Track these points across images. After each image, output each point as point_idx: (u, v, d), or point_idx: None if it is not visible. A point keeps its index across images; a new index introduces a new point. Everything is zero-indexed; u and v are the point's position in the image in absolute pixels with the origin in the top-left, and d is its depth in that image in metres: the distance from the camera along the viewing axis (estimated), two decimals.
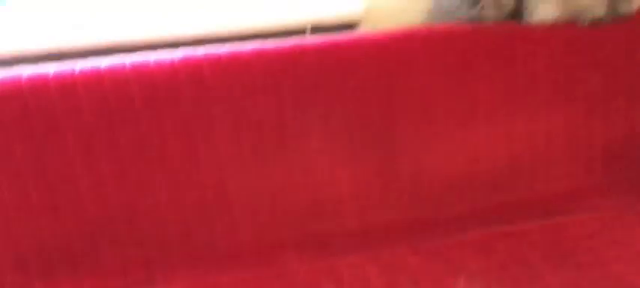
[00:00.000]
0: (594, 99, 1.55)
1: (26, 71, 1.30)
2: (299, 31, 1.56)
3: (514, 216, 1.51)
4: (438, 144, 1.49)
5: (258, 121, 1.39)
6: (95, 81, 1.31)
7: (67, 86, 1.30)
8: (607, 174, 1.59)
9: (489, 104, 1.48)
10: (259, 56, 1.38)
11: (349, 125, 1.44)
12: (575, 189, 1.57)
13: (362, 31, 1.59)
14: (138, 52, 1.38)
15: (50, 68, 1.30)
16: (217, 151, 1.38)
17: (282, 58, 1.39)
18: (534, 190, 1.55)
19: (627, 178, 1.60)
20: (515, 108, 1.49)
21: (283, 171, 1.43)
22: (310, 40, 1.46)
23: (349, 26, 1.61)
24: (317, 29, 1.56)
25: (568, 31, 1.50)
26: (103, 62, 1.33)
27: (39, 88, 1.29)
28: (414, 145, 1.48)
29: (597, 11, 1.47)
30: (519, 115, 1.50)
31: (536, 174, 1.55)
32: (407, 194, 1.50)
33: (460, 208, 1.53)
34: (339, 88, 1.41)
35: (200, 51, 1.38)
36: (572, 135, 1.56)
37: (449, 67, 1.47)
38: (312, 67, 1.40)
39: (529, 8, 1.46)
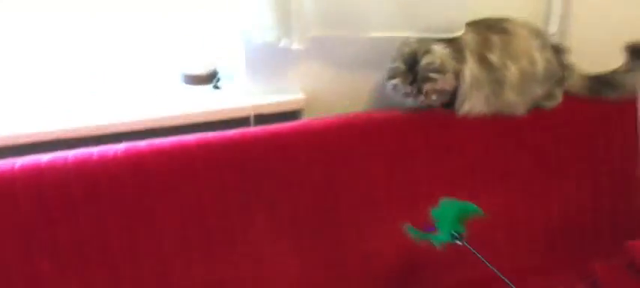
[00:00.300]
0: (530, 181, 1.62)
1: None
2: (242, 120, 1.60)
3: None
4: (383, 229, 1.51)
5: (202, 212, 1.39)
6: (35, 176, 1.30)
7: (4, 182, 1.28)
8: (548, 253, 1.64)
9: (430, 188, 1.52)
10: (203, 146, 1.40)
11: (295, 214, 1.45)
12: (517, 270, 1.59)
13: (304, 119, 1.64)
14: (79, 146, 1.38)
15: None
16: (160, 245, 1.37)
17: (225, 148, 1.41)
18: (478, 272, 1.58)
19: (568, 257, 1.65)
20: (456, 192, 1.52)
21: (230, 263, 1.42)
22: (254, 129, 1.50)
23: (292, 114, 1.66)
24: (261, 118, 1.61)
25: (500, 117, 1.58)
26: (44, 157, 1.32)
27: None
28: (359, 231, 1.50)
29: (519, 110, 1.57)
30: (459, 196, 1.54)
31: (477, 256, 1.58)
32: (356, 282, 1.50)
33: None
34: (283, 177, 1.44)
35: (143, 143, 1.39)
36: (513, 217, 1.61)
37: (389, 154, 1.52)
38: (256, 156, 1.42)
39: (459, 101, 1.55)
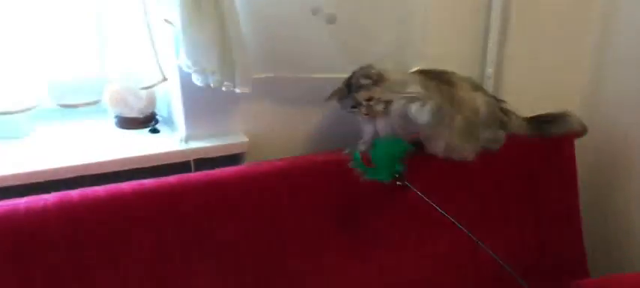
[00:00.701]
0: (475, 226, 1.58)
1: None
2: (182, 165, 1.53)
3: None
4: (334, 277, 1.47)
5: (140, 265, 1.31)
6: None
7: None
8: None
9: (377, 235, 1.51)
10: (140, 194, 1.33)
11: (240, 263, 1.40)
12: None
13: (247, 163, 1.59)
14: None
15: None
16: None
17: (164, 195, 1.34)
18: None
19: None
20: (404, 236, 1.53)
21: None
22: (194, 175, 1.44)
23: (234, 158, 1.61)
24: (201, 163, 1.55)
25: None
26: None
27: None
28: (307, 280, 1.45)
29: (468, 155, 1.57)
30: (408, 242, 1.54)
31: None
32: None
33: None
34: (226, 225, 1.38)
35: (75, 192, 1.30)
36: (460, 263, 1.61)
37: (336, 197, 1.49)
38: (197, 203, 1.36)
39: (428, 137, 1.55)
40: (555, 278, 1.72)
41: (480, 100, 1.56)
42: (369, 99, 1.46)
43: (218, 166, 1.50)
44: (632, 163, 1.86)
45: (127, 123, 1.65)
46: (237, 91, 1.46)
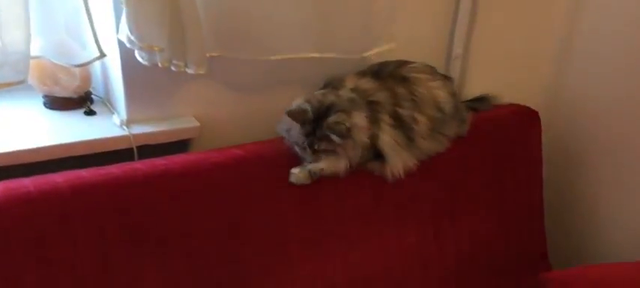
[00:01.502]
0: (441, 216, 1.57)
1: None
2: (123, 153, 1.38)
3: None
4: (294, 275, 1.37)
5: (78, 269, 1.15)
6: None
7: None
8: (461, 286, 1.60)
9: (341, 228, 1.41)
10: (76, 188, 1.17)
11: (192, 264, 1.26)
12: None
13: (198, 150, 1.45)
14: None
15: None
16: None
17: (103, 188, 1.19)
18: None
19: None
20: (367, 230, 1.44)
21: None
22: (138, 164, 1.29)
23: (183, 145, 1.48)
24: (145, 150, 1.40)
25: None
26: None
27: None
28: (268, 279, 1.34)
29: (439, 150, 1.52)
30: (371, 237, 1.46)
31: None
32: None
33: None
34: (175, 221, 1.24)
35: None
36: (425, 255, 1.55)
37: (298, 188, 1.36)
38: (142, 197, 1.22)
39: (384, 167, 1.44)
40: (518, 270, 1.71)
41: (442, 94, 1.49)
42: (325, 152, 1.34)
43: (164, 154, 1.35)
44: (594, 155, 1.87)
45: (59, 104, 1.47)
46: (190, 71, 1.32)
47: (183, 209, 1.25)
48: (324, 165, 1.35)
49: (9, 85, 1.17)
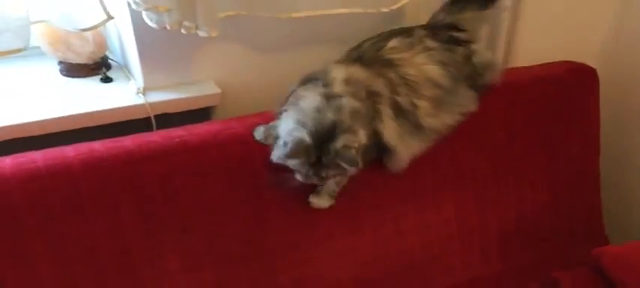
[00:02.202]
0: (485, 185, 1.46)
1: None
2: (141, 123, 1.32)
3: None
4: (322, 252, 1.30)
5: (93, 248, 1.10)
6: None
7: None
8: (503, 260, 1.50)
9: (375, 201, 1.32)
10: (89, 163, 1.10)
11: (213, 240, 1.20)
12: (473, 281, 1.45)
13: (220, 119, 1.37)
14: None
15: None
16: None
17: (119, 163, 1.12)
18: (431, 286, 1.41)
19: (524, 264, 1.52)
20: (403, 202, 1.35)
21: None
22: (156, 134, 1.22)
23: (204, 113, 1.40)
24: (164, 119, 1.33)
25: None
26: None
27: None
28: (293, 255, 1.27)
29: (453, 122, 1.35)
30: (408, 209, 1.37)
31: (430, 269, 1.41)
32: None
33: None
34: (196, 196, 1.18)
35: (7, 160, 1.09)
36: (466, 226, 1.45)
37: None
38: (160, 171, 1.15)
39: (389, 160, 1.30)
40: (570, 244, 1.59)
41: (433, 69, 1.30)
42: (333, 176, 1.20)
43: (184, 123, 1.28)
44: None
45: (74, 70, 1.41)
46: (202, 34, 1.22)
47: (201, 184, 1.18)
48: (336, 185, 1.25)
49: (11, 52, 1.11)
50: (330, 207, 1.27)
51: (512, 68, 1.64)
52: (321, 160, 1.11)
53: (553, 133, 1.55)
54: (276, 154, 1.15)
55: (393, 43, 1.32)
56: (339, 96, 1.15)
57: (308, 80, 1.23)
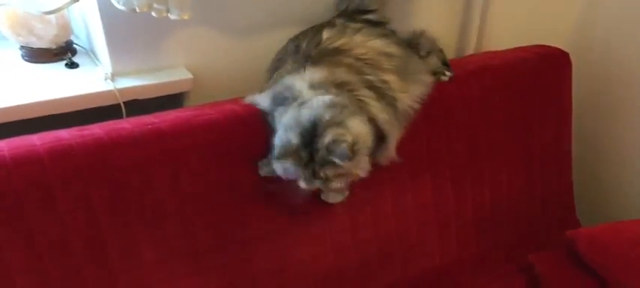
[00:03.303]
0: (461, 169, 1.48)
1: None
2: (110, 110, 1.28)
3: None
4: (299, 239, 1.30)
5: (64, 242, 1.08)
6: None
7: None
8: (479, 244, 1.53)
9: (350, 188, 1.31)
10: (56, 153, 1.07)
11: (189, 229, 1.19)
12: (449, 266, 1.48)
13: (193, 105, 1.35)
14: None
15: None
16: (12, 282, 1.05)
17: (88, 152, 1.09)
18: (407, 273, 1.43)
19: (500, 248, 1.56)
20: (380, 188, 1.36)
21: None
22: (126, 122, 1.19)
23: (176, 99, 1.38)
24: (135, 106, 1.30)
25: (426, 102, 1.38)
26: None
27: None
28: (269, 243, 1.27)
29: (421, 93, 1.35)
30: (385, 194, 1.38)
31: (408, 254, 1.43)
32: None
33: None
34: (170, 184, 1.16)
35: None
36: (442, 208, 1.47)
37: None
38: (132, 160, 1.12)
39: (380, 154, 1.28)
40: (544, 226, 1.64)
41: (377, 42, 1.30)
42: (335, 176, 1.14)
43: (156, 109, 1.26)
44: (627, 102, 1.75)
45: (37, 55, 1.36)
46: (173, 17, 1.20)
47: (175, 171, 1.16)
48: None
49: None
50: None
51: (486, 52, 1.67)
52: (314, 158, 1.10)
53: (527, 116, 1.58)
54: (268, 169, 1.17)
55: (326, 34, 1.31)
56: (310, 99, 1.14)
57: (279, 96, 1.20)
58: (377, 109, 1.20)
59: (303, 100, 1.15)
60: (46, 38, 1.33)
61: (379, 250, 1.39)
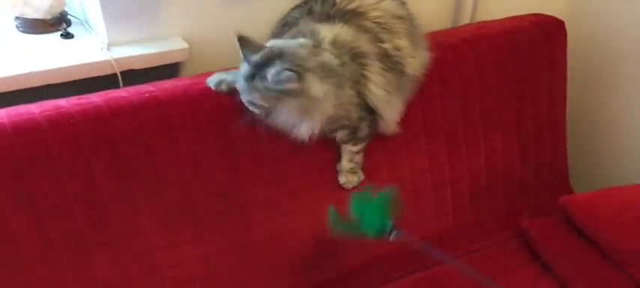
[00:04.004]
0: (455, 135, 1.51)
1: None
2: (107, 79, 1.30)
3: (388, 271, 1.41)
4: (295, 207, 1.33)
5: (65, 208, 1.11)
6: None
7: None
8: (474, 211, 1.57)
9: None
10: (55, 120, 1.10)
11: (188, 196, 1.22)
12: (445, 232, 1.51)
13: (189, 75, 1.37)
14: None
15: None
16: (20, 255, 1.09)
17: (87, 120, 1.12)
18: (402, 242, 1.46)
19: (495, 213, 1.59)
20: (376, 156, 1.39)
21: (110, 263, 1.17)
22: (123, 91, 1.22)
23: (172, 69, 1.39)
24: (131, 75, 1.32)
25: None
26: None
27: None
28: (266, 210, 1.30)
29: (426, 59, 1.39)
30: (381, 162, 1.41)
31: (404, 222, 1.41)
32: (266, 267, 1.32)
33: (329, 274, 1.38)
34: (169, 152, 1.19)
35: None
36: (438, 175, 1.50)
37: None
38: (130, 128, 1.15)
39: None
40: (537, 193, 1.67)
41: (389, 3, 1.32)
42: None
43: (152, 79, 1.28)
44: (621, 70, 1.77)
45: (32, 26, 1.38)
46: None
47: (173, 140, 1.19)
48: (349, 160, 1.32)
49: None
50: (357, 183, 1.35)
51: (482, 21, 1.69)
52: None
53: (522, 84, 1.60)
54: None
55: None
56: (325, 50, 1.18)
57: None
58: (376, 85, 1.25)
59: (319, 48, 1.18)
60: (41, 9, 1.35)
61: None
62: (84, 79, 1.29)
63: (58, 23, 1.39)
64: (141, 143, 1.16)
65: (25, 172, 1.07)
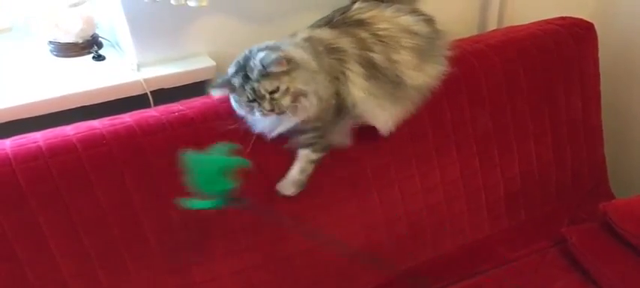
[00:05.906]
0: (487, 142, 1.52)
1: None
2: (138, 99, 1.36)
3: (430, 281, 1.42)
4: (328, 219, 1.36)
5: (101, 224, 1.16)
6: None
7: None
8: (511, 218, 1.58)
9: (378, 165, 1.39)
10: (89, 141, 1.16)
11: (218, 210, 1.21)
12: (482, 241, 1.53)
13: None
14: None
15: None
16: (57, 269, 1.14)
17: (120, 139, 1.18)
18: (439, 250, 1.48)
19: (532, 220, 1.60)
20: (407, 165, 1.42)
21: (146, 278, 1.22)
22: (154, 110, 1.27)
23: (200, 87, 1.43)
24: (161, 94, 1.38)
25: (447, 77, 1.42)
26: None
27: None
28: (304, 223, 1.33)
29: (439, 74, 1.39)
30: (413, 171, 1.43)
31: (438, 231, 1.48)
32: (300, 280, 1.35)
33: (363, 282, 1.41)
34: None
35: (6, 142, 1.14)
36: (471, 184, 1.51)
37: None
38: (160, 145, 1.20)
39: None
40: (576, 199, 1.66)
41: (407, 18, 1.35)
42: (274, 91, 1.17)
43: (181, 97, 1.33)
44: None
45: (65, 49, 1.45)
46: (191, 4, 1.27)
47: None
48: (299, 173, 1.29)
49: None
50: (296, 194, 1.30)
51: (510, 26, 1.70)
52: (250, 78, 1.15)
53: (554, 88, 1.61)
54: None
55: (358, 5, 1.37)
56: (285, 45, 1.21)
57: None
58: (356, 86, 1.26)
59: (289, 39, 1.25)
60: (72, 32, 1.42)
61: (410, 228, 1.44)
62: (116, 100, 1.35)
63: (89, 46, 1.46)
64: (171, 160, 1.17)
65: (61, 191, 1.12)
